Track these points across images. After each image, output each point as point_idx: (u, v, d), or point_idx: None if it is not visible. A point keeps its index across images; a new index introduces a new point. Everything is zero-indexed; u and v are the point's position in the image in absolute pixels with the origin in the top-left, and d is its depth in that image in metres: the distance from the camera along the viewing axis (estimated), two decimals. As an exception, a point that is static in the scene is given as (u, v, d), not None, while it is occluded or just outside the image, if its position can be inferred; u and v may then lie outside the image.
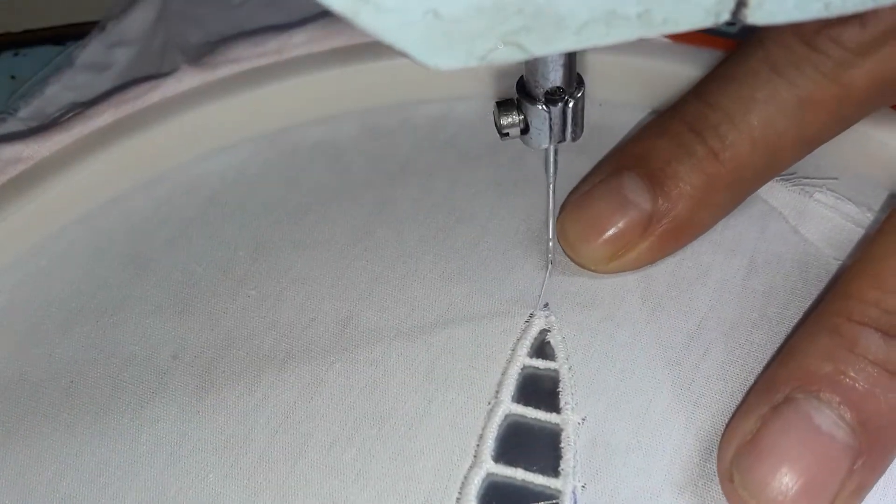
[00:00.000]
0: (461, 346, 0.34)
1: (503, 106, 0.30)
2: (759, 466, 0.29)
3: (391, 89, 0.41)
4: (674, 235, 0.35)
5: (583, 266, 0.35)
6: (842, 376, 0.29)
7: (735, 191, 0.35)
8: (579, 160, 0.39)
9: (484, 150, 0.39)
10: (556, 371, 0.33)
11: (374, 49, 0.39)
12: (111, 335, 0.35)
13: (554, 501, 0.31)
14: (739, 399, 0.32)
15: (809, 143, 0.35)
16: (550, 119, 0.29)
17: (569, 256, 0.35)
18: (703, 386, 0.33)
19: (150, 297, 0.36)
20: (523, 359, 0.34)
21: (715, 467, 0.31)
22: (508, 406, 0.33)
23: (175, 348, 0.35)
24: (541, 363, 0.34)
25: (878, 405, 0.29)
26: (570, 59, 0.29)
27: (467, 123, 0.41)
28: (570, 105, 0.29)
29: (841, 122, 0.35)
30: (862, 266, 0.31)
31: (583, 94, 0.30)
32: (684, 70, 0.40)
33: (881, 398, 0.29)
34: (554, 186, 0.33)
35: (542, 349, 0.34)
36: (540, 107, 0.29)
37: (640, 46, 0.38)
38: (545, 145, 0.30)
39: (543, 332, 0.34)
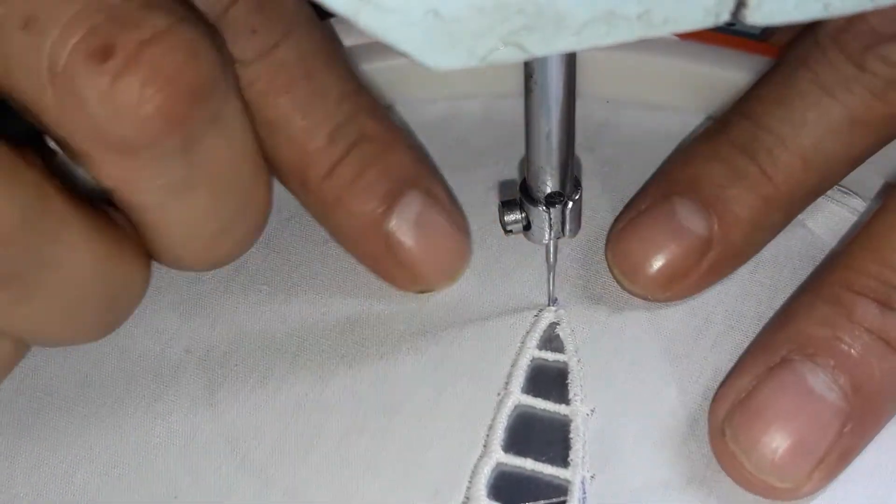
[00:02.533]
0: (471, 338, 0.34)
1: (507, 205, 0.32)
2: (751, 423, 0.30)
3: (399, 88, 0.41)
4: (730, 260, 0.34)
5: (636, 295, 0.34)
6: (838, 342, 0.30)
7: (788, 212, 0.35)
8: (590, 157, 0.39)
9: (492, 147, 0.39)
10: (565, 363, 0.34)
11: (382, 49, 0.39)
12: (124, 330, 0.35)
13: (563, 498, 0.31)
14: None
15: (856, 161, 0.35)
16: (550, 219, 0.32)
17: (621, 285, 0.35)
18: (711, 379, 0.33)
19: (163, 292, 0.36)
20: (533, 351, 0.34)
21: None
22: (518, 397, 0.33)
23: (188, 342, 0.35)
24: (550, 355, 0.34)
25: (872, 372, 0.30)
26: (569, 166, 0.30)
27: (475, 121, 0.41)
28: (569, 207, 0.31)
29: (886, 139, 0.35)
30: (863, 240, 0.32)
31: (580, 196, 0.32)
32: (690, 66, 0.40)
33: (875, 365, 0.30)
34: (553, 276, 0.34)
35: (551, 342, 0.34)
36: (541, 208, 0.31)
37: (651, 44, 0.39)
38: (545, 241, 0.33)
39: (553, 325, 0.35)
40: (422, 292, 0.35)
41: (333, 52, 0.34)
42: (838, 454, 0.30)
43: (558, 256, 0.34)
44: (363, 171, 0.33)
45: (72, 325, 0.31)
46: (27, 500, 0.32)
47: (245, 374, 0.34)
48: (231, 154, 0.31)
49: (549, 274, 0.34)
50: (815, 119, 0.33)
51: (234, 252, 0.33)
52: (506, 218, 0.32)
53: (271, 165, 0.34)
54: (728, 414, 0.30)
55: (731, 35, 0.40)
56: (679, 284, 0.34)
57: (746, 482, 0.30)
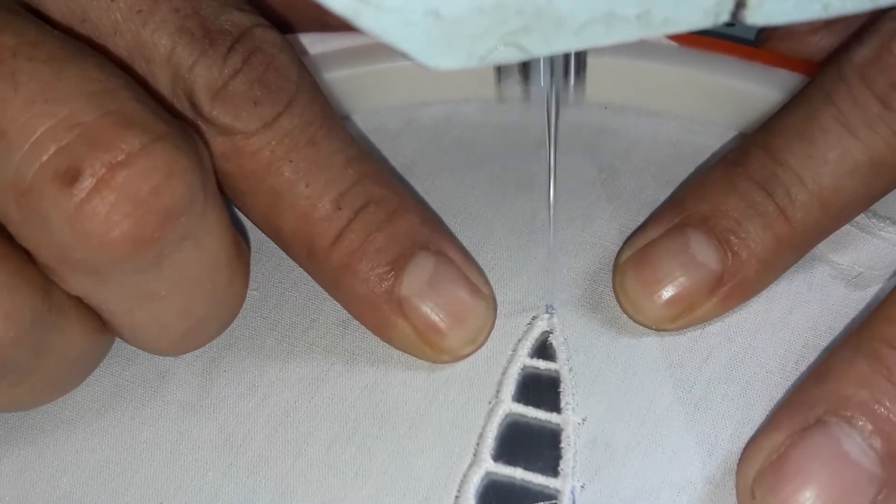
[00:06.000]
0: (462, 346, 0.34)
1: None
2: (783, 487, 0.29)
3: (397, 91, 0.41)
4: (739, 296, 0.34)
5: (642, 324, 0.34)
6: (877, 405, 0.29)
7: (801, 250, 0.34)
8: (588, 163, 0.39)
9: (489, 151, 0.39)
10: (556, 372, 0.34)
11: (380, 51, 0.39)
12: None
13: (553, 502, 0.31)
14: (740, 403, 0.32)
15: (874, 200, 0.34)
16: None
17: (627, 313, 0.34)
18: (705, 389, 0.33)
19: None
20: (524, 359, 0.34)
21: (714, 470, 0.31)
22: (509, 405, 0.33)
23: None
24: (542, 363, 0.34)
25: None
26: None
27: (472, 125, 0.40)
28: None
29: None
30: None
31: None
32: (689, 73, 0.39)
33: None
34: (554, 143, 0.33)
35: (543, 350, 0.34)
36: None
37: (650, 50, 0.38)
38: (542, 84, 0.31)
39: (545, 333, 0.34)
40: (447, 361, 0.34)
41: (335, 118, 0.33)
42: None
43: (556, 266, 0.34)
44: (371, 235, 0.32)
45: (49, 397, 0.33)
46: (12, 505, 0.32)
47: (234, 380, 0.34)
48: (206, 262, 0.31)
49: (548, 133, 0.32)
50: (836, 159, 0.32)
51: (205, 342, 0.34)
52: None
53: (275, 236, 0.34)
54: (758, 475, 0.30)
55: (727, 41, 0.40)
56: (686, 317, 0.33)
57: None
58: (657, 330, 0.34)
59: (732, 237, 0.33)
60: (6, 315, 0.27)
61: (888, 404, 0.29)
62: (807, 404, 0.30)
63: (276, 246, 0.35)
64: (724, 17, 0.21)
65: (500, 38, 0.21)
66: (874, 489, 0.29)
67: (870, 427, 0.29)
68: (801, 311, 0.34)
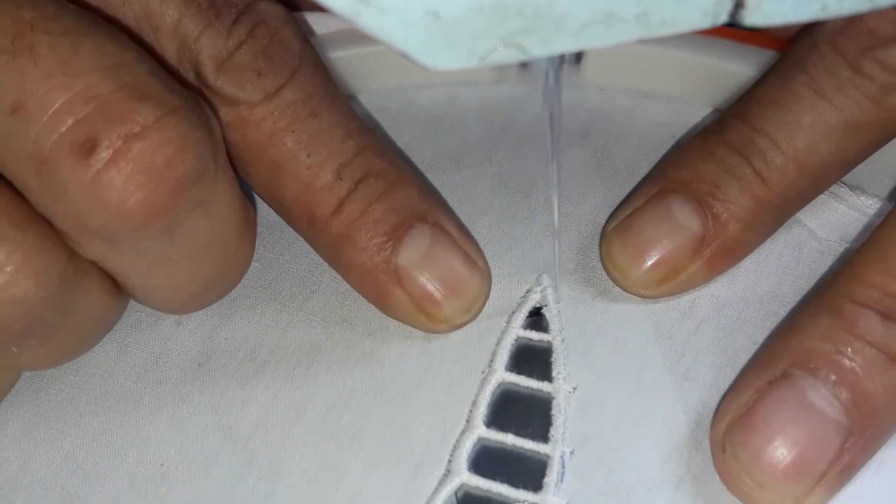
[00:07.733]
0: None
1: None
2: (752, 439, 0.30)
3: (398, 72, 0.41)
4: (723, 258, 0.34)
5: (629, 291, 0.35)
6: (839, 356, 0.30)
7: (781, 213, 0.35)
8: (582, 144, 0.39)
9: (487, 133, 0.39)
10: (549, 343, 0.34)
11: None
12: None
13: (541, 473, 0.32)
14: (727, 373, 0.33)
15: (850, 164, 0.35)
16: None
17: (614, 281, 0.35)
18: (693, 359, 0.33)
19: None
20: (517, 331, 0.34)
21: (701, 437, 0.32)
22: (502, 374, 0.33)
23: (179, 315, 0.35)
24: (535, 335, 0.34)
25: (874, 387, 0.30)
26: None
27: (472, 107, 0.40)
28: None
29: (881, 142, 0.35)
30: (868, 250, 0.31)
31: None
32: (685, 56, 0.39)
33: (877, 380, 0.30)
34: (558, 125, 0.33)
35: (536, 322, 0.35)
36: None
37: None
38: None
39: (539, 306, 0.35)
40: (443, 330, 0.34)
41: (336, 92, 0.34)
42: (839, 470, 0.29)
43: (557, 245, 0.35)
44: (370, 206, 0.33)
45: (68, 357, 0.33)
46: (16, 465, 0.32)
47: (234, 347, 0.34)
48: (216, 229, 0.31)
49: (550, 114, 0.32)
50: (809, 123, 0.33)
51: (214, 301, 0.35)
52: None
53: (276, 205, 0.34)
54: (728, 429, 0.30)
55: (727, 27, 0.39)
56: (671, 281, 0.34)
57: (748, 498, 0.30)
58: (644, 296, 0.35)
59: (711, 199, 0.34)
60: (37, 275, 0.28)
61: (851, 355, 0.30)
62: (773, 360, 0.31)
63: (278, 219, 0.36)
64: (723, 17, 0.21)
65: (500, 39, 0.21)
66: (840, 438, 0.29)
67: (833, 378, 0.30)
68: (789, 285, 0.35)
